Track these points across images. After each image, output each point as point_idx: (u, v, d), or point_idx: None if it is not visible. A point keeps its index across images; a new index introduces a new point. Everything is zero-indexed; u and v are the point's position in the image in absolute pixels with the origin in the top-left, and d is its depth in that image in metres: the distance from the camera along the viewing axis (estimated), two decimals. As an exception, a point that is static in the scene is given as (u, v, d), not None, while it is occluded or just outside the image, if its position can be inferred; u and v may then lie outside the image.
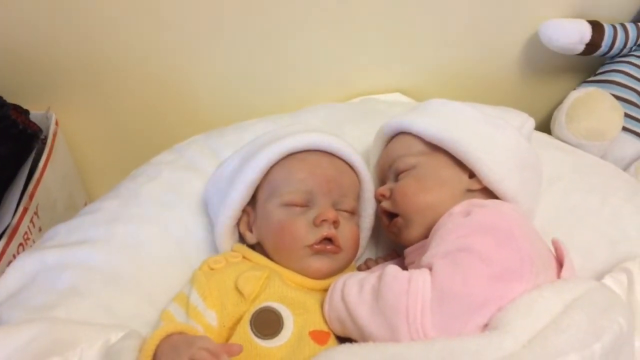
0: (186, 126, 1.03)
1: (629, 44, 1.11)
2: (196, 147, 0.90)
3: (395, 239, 0.73)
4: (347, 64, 1.13)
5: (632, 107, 1.08)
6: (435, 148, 0.71)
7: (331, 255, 0.69)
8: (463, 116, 0.73)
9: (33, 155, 0.99)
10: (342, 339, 0.63)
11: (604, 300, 0.55)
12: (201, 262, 0.69)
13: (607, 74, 1.12)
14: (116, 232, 0.76)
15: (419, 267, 0.60)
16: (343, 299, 0.61)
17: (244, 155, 0.75)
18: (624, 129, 1.05)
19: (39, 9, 0.95)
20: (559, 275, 0.61)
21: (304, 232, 0.68)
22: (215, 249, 0.76)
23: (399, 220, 0.70)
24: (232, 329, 0.62)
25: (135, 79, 1.08)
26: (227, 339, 0.62)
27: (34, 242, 0.93)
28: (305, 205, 0.70)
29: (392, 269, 0.59)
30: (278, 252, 0.69)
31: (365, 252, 0.81)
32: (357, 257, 0.77)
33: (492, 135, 0.71)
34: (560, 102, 1.08)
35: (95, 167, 1.20)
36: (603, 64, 1.16)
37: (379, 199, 0.74)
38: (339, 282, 0.64)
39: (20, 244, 0.90)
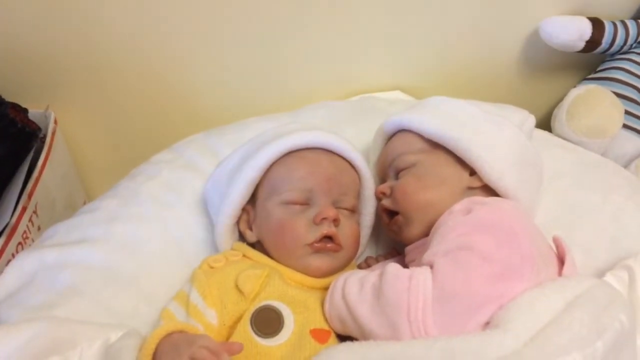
0: (185, 125, 1.03)
1: (629, 41, 1.11)
2: (196, 146, 0.90)
3: (395, 237, 0.73)
4: (346, 62, 1.12)
5: (632, 104, 1.08)
6: (435, 146, 0.71)
7: (331, 253, 0.69)
8: (463, 114, 0.73)
9: (32, 154, 0.99)
10: (343, 338, 0.63)
11: (606, 297, 0.55)
12: (201, 260, 0.69)
13: (607, 71, 1.12)
14: (115, 231, 0.76)
15: (419, 265, 0.60)
16: (344, 297, 0.61)
17: (244, 153, 0.75)
18: (625, 126, 1.05)
19: (38, 8, 0.95)
20: (560, 273, 0.61)
21: (304, 230, 0.67)
22: (215, 248, 0.76)
23: (399, 218, 0.70)
24: (233, 327, 0.62)
25: (135, 78, 1.08)
26: (228, 338, 0.62)
27: (33, 241, 0.93)
28: (305, 203, 0.69)
29: (393, 267, 0.59)
30: (278, 250, 0.69)
31: (366, 250, 0.81)
32: (357, 256, 0.77)
33: (492, 133, 0.71)
34: (560, 100, 1.07)
35: (94, 166, 1.20)
36: (603, 61, 1.16)
37: (379, 196, 0.74)
38: (339, 280, 0.64)
39: (19, 243, 0.90)
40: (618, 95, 1.05)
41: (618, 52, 1.13)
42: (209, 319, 0.61)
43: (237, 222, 0.73)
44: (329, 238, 0.68)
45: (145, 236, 0.76)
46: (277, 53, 1.08)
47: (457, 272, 0.56)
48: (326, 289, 0.66)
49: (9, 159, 0.96)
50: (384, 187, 0.72)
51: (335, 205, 0.70)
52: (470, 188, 0.69)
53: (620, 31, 1.10)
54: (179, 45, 1.05)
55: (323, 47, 1.10)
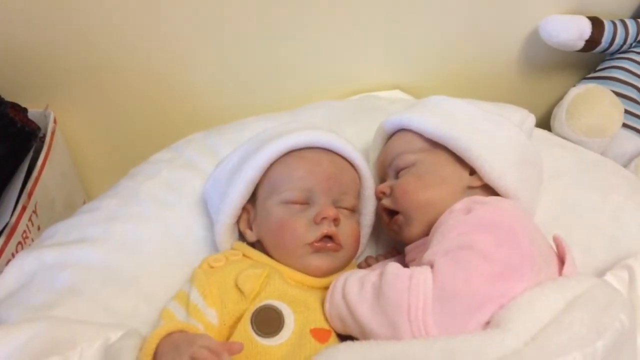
0: (185, 124, 1.03)
1: (629, 40, 1.11)
2: (195, 146, 0.90)
3: (395, 237, 0.73)
4: (346, 61, 1.12)
5: (632, 103, 1.08)
6: (435, 145, 0.71)
7: (331, 253, 0.69)
8: (463, 113, 0.73)
9: (31, 153, 0.99)
10: (343, 337, 0.63)
11: (606, 297, 0.55)
12: (201, 260, 0.69)
13: (607, 70, 1.12)
14: (115, 231, 0.76)
15: (420, 264, 0.59)
16: (344, 297, 0.61)
17: (244, 153, 0.75)
18: (624, 125, 1.05)
19: (37, 8, 0.95)
20: (560, 272, 0.61)
21: (304, 230, 0.67)
22: (215, 247, 0.76)
23: (399, 217, 0.70)
24: (233, 327, 0.62)
25: (134, 77, 1.08)
26: (228, 338, 0.62)
27: (32, 240, 0.93)
28: (305, 203, 0.69)
29: (393, 266, 0.59)
30: (278, 250, 0.69)
31: (366, 249, 0.81)
32: (357, 255, 0.77)
33: (492, 132, 0.70)
34: (560, 99, 1.07)
35: (93, 166, 1.20)
36: (603, 61, 1.16)
37: (379, 196, 0.74)
38: (339, 280, 0.64)
39: (19, 243, 0.90)
40: (618, 94, 1.05)
41: (618, 51, 1.13)
42: (209, 319, 0.61)
43: (237, 222, 0.73)
44: (329, 237, 0.68)
45: (144, 236, 0.76)
46: (276, 52, 1.08)
47: (458, 271, 0.56)
48: (326, 288, 0.66)
49: (9, 158, 0.96)
50: (384, 187, 0.72)
51: (335, 204, 0.70)
52: (470, 187, 0.69)
53: (620, 30, 1.10)
54: (179, 45, 1.05)
55: (323, 46, 1.09)
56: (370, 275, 0.61)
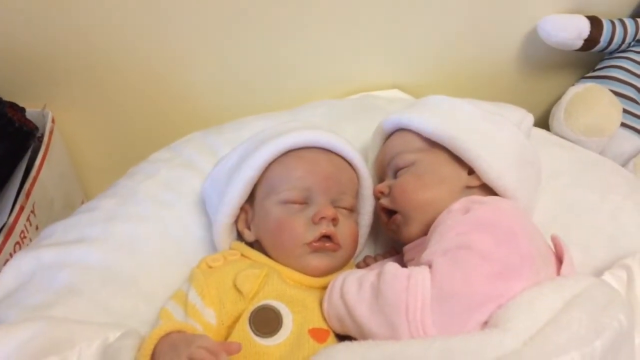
0: (184, 123, 1.03)
1: (628, 40, 1.11)
2: (194, 145, 0.90)
3: (394, 236, 0.73)
4: (345, 60, 1.12)
5: (630, 103, 1.08)
6: (434, 144, 0.70)
7: (330, 252, 0.69)
8: (462, 112, 0.73)
9: (29, 153, 0.99)
10: (342, 337, 0.63)
11: (604, 297, 0.55)
12: (199, 260, 0.69)
13: (605, 69, 1.12)
14: (114, 231, 0.76)
15: (418, 264, 0.59)
16: (342, 296, 0.61)
17: (242, 152, 0.74)
18: (623, 125, 1.05)
19: (35, 7, 0.95)
20: (558, 272, 0.61)
21: (303, 229, 0.67)
22: (213, 247, 0.76)
23: (397, 217, 0.70)
24: (231, 327, 0.62)
25: (133, 76, 1.08)
26: (226, 338, 0.62)
27: (30, 240, 0.92)
28: (304, 202, 0.69)
29: (391, 266, 0.59)
30: (276, 249, 0.69)
31: (364, 249, 0.81)
32: (356, 255, 0.77)
33: (491, 132, 0.70)
34: (558, 98, 1.07)
35: (92, 165, 1.20)
36: (602, 60, 1.16)
37: (377, 196, 0.74)
38: (338, 279, 0.64)
39: (17, 243, 0.90)
40: (616, 93, 1.05)
41: (616, 50, 1.13)
42: (207, 319, 0.61)
43: (236, 222, 0.73)
44: (327, 237, 0.68)
45: (143, 235, 0.76)
46: (276, 52, 1.08)
47: (456, 271, 0.56)
48: (325, 288, 0.66)
49: (7, 158, 0.96)
50: (383, 186, 0.72)
51: (334, 204, 0.70)
52: (469, 187, 0.69)
53: (619, 29, 1.10)
54: (177, 44, 1.05)
55: (322, 46, 1.09)
56: (368, 275, 0.61)
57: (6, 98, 0.97)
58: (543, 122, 1.09)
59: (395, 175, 0.72)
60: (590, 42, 1.09)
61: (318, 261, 0.68)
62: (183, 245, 0.77)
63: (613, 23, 1.10)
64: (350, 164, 0.74)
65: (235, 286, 0.63)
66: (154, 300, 0.69)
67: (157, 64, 1.06)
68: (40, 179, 0.98)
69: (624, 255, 0.71)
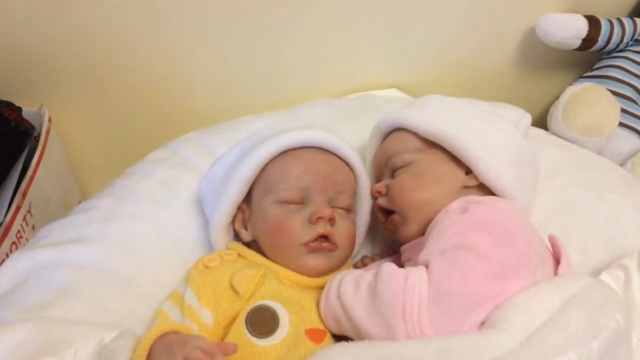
0: (181, 123, 1.02)
1: (626, 39, 1.11)
2: (191, 144, 0.89)
3: (391, 236, 0.72)
4: (343, 60, 1.12)
5: (629, 102, 1.08)
6: (431, 144, 0.70)
7: (327, 252, 0.68)
8: (459, 112, 0.73)
9: (26, 153, 0.99)
10: (339, 337, 0.62)
11: (602, 297, 0.55)
12: (196, 260, 0.69)
13: (603, 69, 1.12)
14: (110, 231, 0.75)
15: (415, 264, 0.59)
16: (339, 297, 0.61)
17: (239, 152, 0.74)
18: (621, 124, 1.05)
19: (31, 5, 0.94)
20: (556, 272, 0.61)
21: (300, 229, 0.67)
22: (210, 247, 0.75)
23: (395, 217, 0.70)
24: (228, 327, 0.62)
25: (130, 75, 1.07)
26: (223, 338, 0.61)
27: (27, 240, 0.92)
28: (301, 202, 0.69)
29: (388, 266, 0.59)
30: (273, 249, 0.69)
31: (362, 249, 0.80)
32: (353, 255, 0.76)
33: (488, 132, 0.70)
34: (556, 98, 1.07)
35: (89, 165, 1.20)
36: (600, 59, 1.16)
37: (375, 195, 0.73)
38: (335, 280, 0.64)
39: (13, 243, 0.90)
40: (614, 93, 1.05)
41: (614, 50, 1.13)
42: (203, 319, 0.61)
43: (233, 221, 0.73)
44: (324, 237, 0.68)
45: (140, 235, 0.76)
46: (274, 51, 1.08)
47: (453, 271, 0.56)
48: (322, 288, 0.65)
49: (3, 158, 0.95)
50: (380, 186, 0.72)
51: (331, 204, 0.70)
52: (466, 187, 0.68)
53: (617, 29, 1.10)
54: (175, 43, 1.04)
55: (320, 45, 1.09)
56: (365, 275, 0.60)
57: (2, 97, 0.97)
58: (541, 122, 1.09)
59: (392, 175, 0.72)
60: (589, 41, 1.09)
61: (315, 261, 0.68)
62: (180, 245, 0.77)
63: (611, 22, 1.10)
64: (347, 164, 0.74)
65: (231, 286, 0.63)
66: (151, 300, 0.69)
67: (155, 63, 1.06)
68: (37, 178, 0.98)
69: (621, 255, 0.71)
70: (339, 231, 0.69)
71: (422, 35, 1.12)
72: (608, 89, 1.05)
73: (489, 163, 0.67)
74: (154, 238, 0.76)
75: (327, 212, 0.67)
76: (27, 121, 0.99)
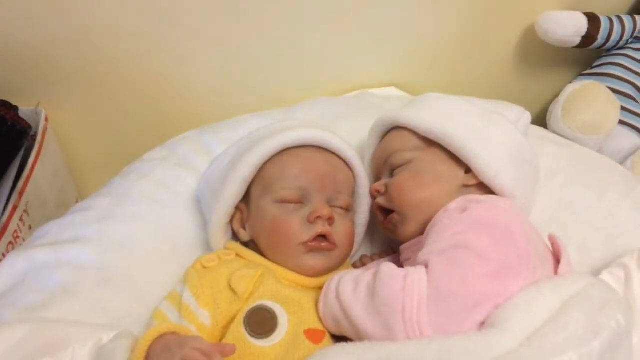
0: (179, 122, 1.02)
1: (626, 37, 1.11)
2: (189, 144, 0.89)
3: (390, 235, 0.72)
4: (342, 58, 1.12)
5: (628, 100, 1.08)
6: (430, 143, 0.70)
7: (326, 252, 0.68)
8: (459, 111, 0.73)
9: (22, 152, 0.98)
10: (338, 338, 0.62)
11: (602, 296, 0.55)
12: (194, 260, 0.68)
13: (603, 66, 1.12)
14: (108, 231, 0.75)
15: (414, 264, 0.59)
16: (338, 297, 0.60)
17: (237, 151, 0.74)
18: (621, 122, 1.05)
19: (28, 4, 0.94)
20: (556, 271, 0.61)
21: (298, 229, 0.67)
22: (208, 247, 0.75)
23: (394, 216, 0.69)
24: (226, 328, 0.62)
25: (127, 74, 1.07)
26: (221, 339, 0.61)
27: (24, 240, 0.92)
28: (300, 202, 0.69)
29: (387, 266, 0.58)
30: (272, 249, 0.69)
31: (361, 248, 0.80)
32: (352, 254, 0.76)
33: (488, 130, 0.70)
34: (556, 96, 1.07)
35: (86, 164, 1.19)
36: (599, 57, 1.15)
37: (374, 195, 0.73)
38: (333, 280, 0.63)
39: (10, 243, 0.89)
40: (614, 91, 1.05)
41: (614, 47, 1.13)
42: (201, 320, 0.61)
43: (231, 221, 0.73)
44: (323, 237, 0.67)
45: (138, 235, 0.76)
46: (272, 50, 1.08)
47: (453, 271, 0.55)
48: (320, 288, 0.65)
49: (-1, 157, 0.95)
50: (379, 185, 0.72)
51: (330, 203, 0.70)
52: (466, 186, 0.68)
53: (616, 26, 1.10)
54: (173, 42, 1.04)
55: (318, 43, 1.09)
56: (364, 275, 0.60)
57: (-1, 96, 0.97)
58: (540, 120, 1.09)
59: (391, 174, 0.72)
60: (588, 39, 1.09)
61: (314, 261, 0.67)
62: (178, 245, 0.76)
63: (611, 20, 1.10)
64: (346, 163, 0.74)
65: (230, 287, 0.63)
66: (149, 301, 0.68)
67: (152, 62, 1.06)
68: (34, 178, 0.97)
69: (621, 254, 0.71)
70: (338, 231, 0.69)
71: (421, 33, 1.11)
72: (608, 87, 1.05)
73: (489, 162, 0.67)
74: (151, 238, 0.76)
75: (326, 211, 0.67)
76: (23, 120, 0.99)
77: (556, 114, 1.03)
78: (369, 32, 1.09)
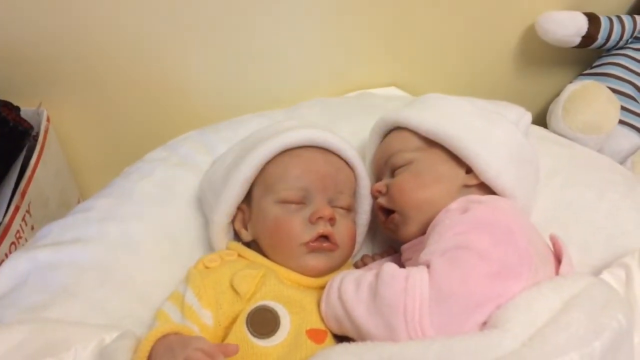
0: (180, 122, 1.02)
1: (625, 36, 1.11)
2: (190, 144, 0.89)
3: (392, 235, 0.72)
4: (342, 58, 1.12)
5: (628, 100, 1.08)
6: (431, 143, 0.70)
7: (327, 252, 0.68)
8: (459, 111, 0.73)
9: (24, 152, 0.98)
10: (340, 338, 0.62)
11: (603, 296, 0.55)
12: (195, 260, 0.69)
13: (603, 66, 1.12)
14: (109, 231, 0.75)
15: (416, 264, 0.59)
16: (340, 297, 0.60)
17: (239, 151, 0.74)
18: (621, 122, 1.05)
19: (29, 4, 0.94)
20: (557, 271, 0.61)
21: (300, 229, 0.67)
22: (209, 247, 0.75)
23: (395, 216, 0.69)
24: (228, 328, 0.62)
25: (129, 74, 1.07)
26: (224, 339, 0.61)
27: (26, 240, 0.92)
28: (301, 202, 0.69)
29: (389, 267, 0.58)
30: (274, 249, 0.69)
31: (362, 248, 0.80)
32: (353, 254, 0.76)
33: (488, 130, 0.70)
34: (556, 96, 1.07)
35: (87, 164, 1.19)
36: (600, 57, 1.16)
37: (375, 195, 0.73)
38: (335, 280, 0.63)
39: (13, 243, 0.89)
40: (614, 91, 1.05)
41: (614, 47, 1.13)
42: (204, 320, 0.61)
43: (232, 221, 0.73)
44: (324, 237, 0.67)
45: (139, 235, 0.76)
46: (272, 50, 1.08)
47: (454, 271, 0.56)
48: (322, 288, 0.65)
49: (1, 157, 0.95)
50: (380, 185, 0.72)
51: (331, 204, 0.70)
52: (467, 186, 0.68)
53: (616, 26, 1.10)
54: (174, 42, 1.04)
55: (319, 43, 1.09)
56: (366, 276, 0.60)
57: (1, 97, 0.97)
58: (540, 120, 1.09)
59: (392, 174, 0.72)
60: (588, 39, 1.09)
61: (316, 261, 0.67)
62: (179, 245, 0.76)
63: (611, 20, 1.10)
64: (347, 163, 0.74)
65: (232, 287, 0.63)
66: (150, 301, 0.69)
67: (153, 62, 1.06)
68: (36, 178, 0.97)
69: (622, 253, 0.71)
70: (339, 231, 0.69)
71: (422, 33, 1.11)
72: (608, 87, 1.05)
73: (490, 162, 0.67)
74: (153, 238, 0.76)
75: (327, 212, 0.67)
76: (25, 121, 0.99)
77: (556, 114, 1.03)
78: (370, 32, 1.09)
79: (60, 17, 0.97)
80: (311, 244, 0.67)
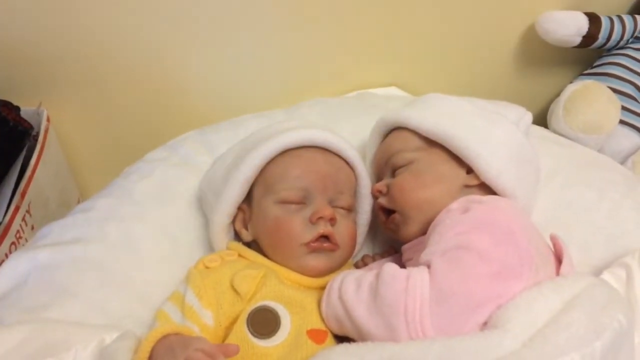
0: (180, 122, 1.02)
1: (626, 36, 1.11)
2: (190, 144, 0.89)
3: (392, 236, 0.72)
4: (343, 58, 1.12)
5: (629, 100, 1.08)
6: (432, 143, 0.70)
7: (328, 252, 0.68)
8: (460, 111, 0.73)
9: (24, 152, 0.98)
10: (340, 338, 0.62)
11: (604, 296, 0.55)
12: (195, 260, 0.69)
13: (604, 66, 1.12)
14: (110, 231, 0.75)
15: (417, 264, 0.59)
16: (340, 297, 0.60)
17: (239, 151, 0.74)
18: (621, 122, 1.05)
19: (29, 4, 0.94)
20: (557, 271, 0.61)
21: (300, 229, 0.67)
22: (210, 247, 0.75)
23: (396, 216, 0.69)
24: (229, 328, 0.62)
25: (128, 74, 1.07)
26: (224, 339, 0.61)
27: (26, 240, 0.92)
28: (301, 202, 0.69)
29: (390, 267, 0.58)
30: (274, 250, 0.69)
31: (362, 248, 0.80)
32: (354, 254, 0.76)
33: (489, 130, 0.70)
34: (557, 95, 1.07)
35: (88, 164, 1.19)
36: (600, 57, 1.15)
37: (375, 195, 0.73)
38: (336, 280, 0.63)
39: (13, 243, 0.89)
40: (615, 90, 1.05)
41: (615, 47, 1.13)
42: (204, 320, 0.61)
43: (233, 221, 0.73)
44: (325, 237, 0.67)
45: (139, 236, 0.76)
46: (272, 50, 1.08)
47: (455, 271, 0.56)
48: (323, 288, 0.65)
49: (1, 157, 0.95)
50: (381, 185, 0.72)
51: (332, 204, 0.70)
52: (467, 186, 0.68)
53: (617, 26, 1.10)
54: (174, 42, 1.04)
55: (319, 43, 1.09)
56: (367, 276, 0.60)
57: (1, 97, 0.97)
58: (541, 120, 1.09)
59: (393, 174, 0.72)
60: (589, 38, 1.09)
61: (316, 261, 0.67)
62: (180, 246, 0.76)
63: (611, 20, 1.10)
64: (347, 163, 0.74)
65: (232, 287, 0.63)
66: (150, 301, 0.69)
67: (153, 62, 1.06)
68: (36, 178, 0.97)
69: (623, 253, 0.71)
70: (340, 231, 0.69)
71: (422, 33, 1.11)
72: (608, 87, 1.05)
73: (490, 162, 0.67)
74: (153, 238, 0.76)
75: (327, 212, 0.67)
76: (25, 120, 0.98)
77: (557, 114, 1.03)
78: (370, 32, 1.09)
79: (60, 17, 0.97)
80: (312, 244, 0.67)
